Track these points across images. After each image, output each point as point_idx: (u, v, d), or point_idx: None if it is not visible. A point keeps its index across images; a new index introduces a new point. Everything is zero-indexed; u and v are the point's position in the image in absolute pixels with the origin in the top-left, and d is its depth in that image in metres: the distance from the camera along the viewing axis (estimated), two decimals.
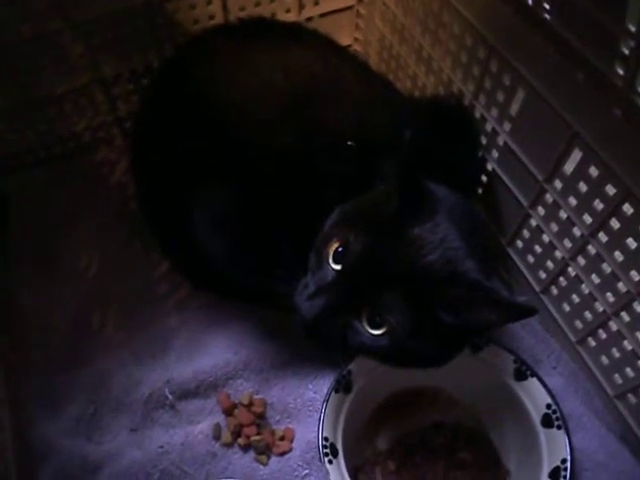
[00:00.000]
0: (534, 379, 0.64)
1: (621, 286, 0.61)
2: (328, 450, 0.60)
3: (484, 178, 0.78)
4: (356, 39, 1.00)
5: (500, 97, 0.70)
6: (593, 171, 0.59)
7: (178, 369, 0.71)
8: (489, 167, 0.76)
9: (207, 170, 0.67)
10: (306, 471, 0.65)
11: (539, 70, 0.62)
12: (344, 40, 0.97)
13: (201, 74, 0.71)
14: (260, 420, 0.69)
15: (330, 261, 0.55)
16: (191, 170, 0.68)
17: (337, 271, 0.54)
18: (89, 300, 0.76)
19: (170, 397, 0.69)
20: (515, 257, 0.76)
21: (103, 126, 0.88)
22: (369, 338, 0.53)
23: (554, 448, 0.60)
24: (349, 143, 0.63)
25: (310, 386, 0.70)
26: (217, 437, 0.68)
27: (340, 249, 0.54)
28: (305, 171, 0.63)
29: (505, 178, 0.73)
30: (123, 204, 0.83)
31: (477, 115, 0.75)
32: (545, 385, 0.64)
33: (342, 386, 0.64)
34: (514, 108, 0.68)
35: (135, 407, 0.69)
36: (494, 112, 0.72)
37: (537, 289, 0.74)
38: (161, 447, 0.67)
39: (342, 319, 0.54)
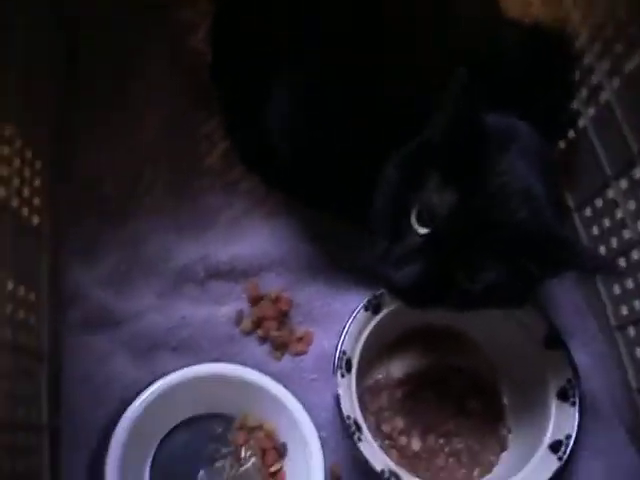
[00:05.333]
0: (562, 351, 0.63)
1: None
2: (343, 364, 0.60)
3: (571, 133, 0.73)
4: None
5: (619, 48, 0.63)
6: None
7: (215, 248, 0.71)
8: (580, 123, 0.71)
9: (296, 50, 0.63)
10: (314, 375, 0.67)
11: None
12: None
13: None
14: (283, 317, 0.69)
15: (415, 224, 0.52)
16: (278, 47, 0.64)
17: (424, 234, 0.52)
18: (142, 160, 0.75)
19: (202, 274, 0.70)
20: (579, 225, 0.72)
21: None
22: (464, 295, 0.53)
23: (562, 422, 0.60)
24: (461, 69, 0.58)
25: (339, 297, 0.70)
26: (238, 323, 0.69)
27: (424, 211, 0.52)
28: (400, 86, 0.59)
29: (595, 139, 0.68)
30: (195, 70, 0.79)
31: (585, 63, 0.69)
32: (572, 360, 0.62)
33: (372, 305, 0.63)
34: (631, 64, 0.62)
35: (166, 275, 0.70)
36: (605, 64, 0.66)
37: None
38: (183, 318, 0.68)
39: (438, 283, 0.52)
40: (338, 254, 0.70)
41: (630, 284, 0.65)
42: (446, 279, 0.52)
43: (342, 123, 0.61)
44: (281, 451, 0.62)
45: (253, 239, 0.72)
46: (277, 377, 0.63)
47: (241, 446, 0.63)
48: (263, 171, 0.74)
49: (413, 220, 0.53)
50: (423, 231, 0.52)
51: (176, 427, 0.63)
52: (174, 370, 0.62)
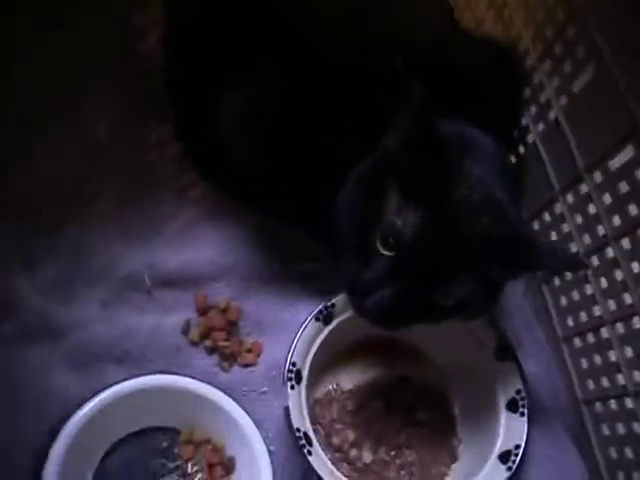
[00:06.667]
0: (512, 362, 0.63)
1: (627, 297, 0.59)
2: (293, 375, 0.59)
3: (521, 149, 0.74)
4: None
5: (567, 68, 0.64)
6: None
7: (163, 257, 0.69)
8: (530, 139, 0.72)
9: (251, 56, 0.63)
10: (265, 388, 0.66)
11: (619, 49, 0.57)
12: None
13: None
14: (231, 327, 0.68)
15: (380, 249, 0.51)
16: (233, 53, 0.63)
17: (392, 258, 0.51)
18: (89, 166, 0.71)
19: (148, 282, 0.68)
20: None
21: None
22: (436, 311, 0.52)
23: (511, 433, 0.61)
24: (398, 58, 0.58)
25: (290, 307, 0.69)
26: (185, 333, 0.67)
27: (388, 236, 0.51)
28: (347, 88, 0.59)
29: (544, 155, 0.69)
30: (145, 76, 0.76)
31: (535, 81, 0.70)
32: (522, 371, 0.63)
33: (323, 316, 0.62)
34: (578, 84, 0.63)
35: (112, 283, 0.67)
36: (555, 82, 0.67)
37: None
38: (128, 328, 0.66)
39: (411, 305, 0.52)
40: (290, 263, 0.69)
41: (576, 295, 0.66)
42: (418, 299, 0.51)
43: (297, 131, 0.60)
44: (229, 466, 0.60)
45: (203, 247, 0.70)
46: (226, 389, 0.62)
47: (187, 461, 0.61)
48: (217, 178, 0.72)
49: (378, 244, 0.52)
50: (390, 254, 0.51)
51: (120, 441, 0.61)
52: (117, 382, 0.59)
